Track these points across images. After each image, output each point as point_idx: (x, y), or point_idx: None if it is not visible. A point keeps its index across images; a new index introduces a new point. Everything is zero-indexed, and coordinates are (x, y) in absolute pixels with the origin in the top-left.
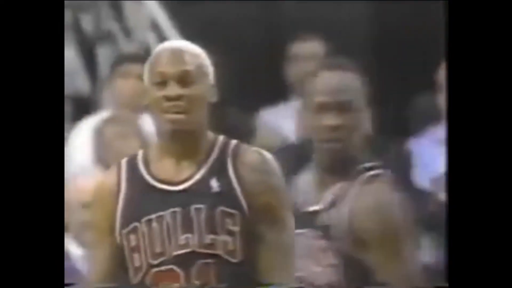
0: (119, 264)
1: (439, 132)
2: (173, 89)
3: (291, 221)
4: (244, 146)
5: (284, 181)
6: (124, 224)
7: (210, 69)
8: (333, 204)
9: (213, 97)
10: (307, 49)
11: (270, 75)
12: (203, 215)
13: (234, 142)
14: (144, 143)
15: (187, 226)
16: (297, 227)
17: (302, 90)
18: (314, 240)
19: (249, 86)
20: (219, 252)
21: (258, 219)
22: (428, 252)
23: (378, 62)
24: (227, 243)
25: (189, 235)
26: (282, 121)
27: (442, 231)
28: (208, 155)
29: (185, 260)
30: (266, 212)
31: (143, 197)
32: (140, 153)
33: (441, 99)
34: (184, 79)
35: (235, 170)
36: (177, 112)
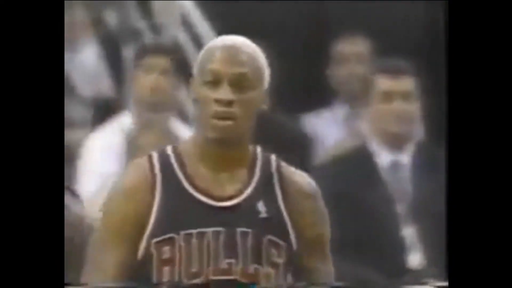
0: (132, 275)
1: None
2: (226, 93)
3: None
4: (285, 165)
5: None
6: (157, 232)
7: (266, 72)
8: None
9: (265, 104)
10: (352, 49)
11: (313, 77)
12: (249, 242)
13: (273, 157)
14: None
15: (231, 250)
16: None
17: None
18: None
19: (290, 89)
20: (261, 284)
21: (308, 251)
22: None
23: (430, 64)
24: (269, 275)
25: (232, 261)
26: (327, 127)
27: None
28: (252, 170)
29: (223, 287)
30: (317, 244)
31: (182, 206)
32: (170, 151)
33: None
34: (239, 82)
35: (283, 194)
36: (227, 119)
